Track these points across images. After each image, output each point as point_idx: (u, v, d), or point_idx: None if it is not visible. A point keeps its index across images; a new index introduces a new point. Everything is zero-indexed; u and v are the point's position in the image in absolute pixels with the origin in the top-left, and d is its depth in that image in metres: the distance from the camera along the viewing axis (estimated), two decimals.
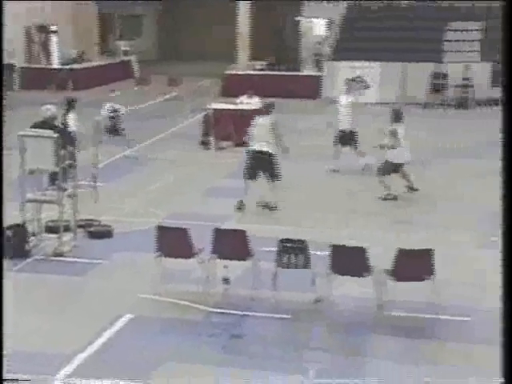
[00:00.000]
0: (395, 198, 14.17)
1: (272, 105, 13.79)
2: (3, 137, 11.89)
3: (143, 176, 15.31)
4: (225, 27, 34.27)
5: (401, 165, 14.39)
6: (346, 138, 16.40)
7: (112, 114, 16.19)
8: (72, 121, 14.65)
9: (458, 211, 13.42)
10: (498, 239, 11.47)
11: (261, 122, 13.41)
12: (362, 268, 9.11)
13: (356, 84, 17.32)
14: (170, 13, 39.21)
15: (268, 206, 13.37)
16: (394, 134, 14.19)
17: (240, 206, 13.15)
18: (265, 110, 13.77)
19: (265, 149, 13.19)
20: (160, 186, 15.05)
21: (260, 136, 13.23)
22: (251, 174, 13.40)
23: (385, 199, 14.18)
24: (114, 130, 16.89)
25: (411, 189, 14.50)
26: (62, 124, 14.12)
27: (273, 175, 13.27)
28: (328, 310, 9.29)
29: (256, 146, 13.30)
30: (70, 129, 14.49)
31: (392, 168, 14.35)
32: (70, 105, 14.99)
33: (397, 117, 14.50)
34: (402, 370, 7.94)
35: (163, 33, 40.46)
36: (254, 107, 19.69)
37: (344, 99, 16.56)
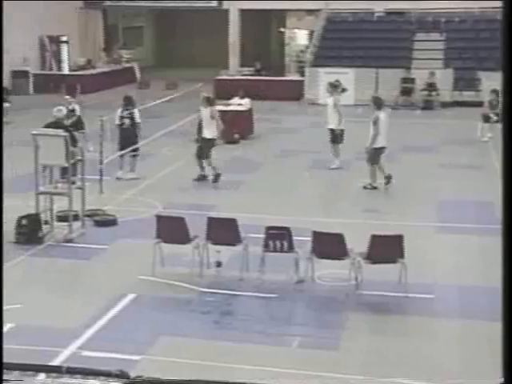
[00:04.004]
0: (375, 188, 13.92)
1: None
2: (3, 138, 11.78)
3: (143, 170, 15.22)
4: (215, 36, 34.22)
5: (382, 148, 13.83)
6: (334, 136, 15.67)
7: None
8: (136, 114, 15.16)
9: (418, 200, 13.39)
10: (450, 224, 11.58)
11: None
12: (340, 252, 9.13)
13: (336, 87, 16.49)
14: (166, 24, 39.15)
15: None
16: (375, 121, 13.69)
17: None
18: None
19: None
20: (158, 178, 14.99)
21: None
22: None
23: (365, 188, 13.90)
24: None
25: (388, 179, 13.85)
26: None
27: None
28: (309, 290, 9.28)
29: None
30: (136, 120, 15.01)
31: (377, 154, 13.78)
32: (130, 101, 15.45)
33: (378, 104, 14.00)
34: (372, 340, 7.98)
35: (160, 41, 40.41)
36: (244, 108, 19.63)
37: (330, 101, 15.79)
